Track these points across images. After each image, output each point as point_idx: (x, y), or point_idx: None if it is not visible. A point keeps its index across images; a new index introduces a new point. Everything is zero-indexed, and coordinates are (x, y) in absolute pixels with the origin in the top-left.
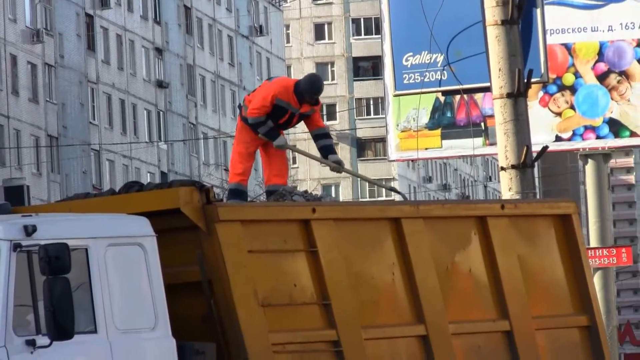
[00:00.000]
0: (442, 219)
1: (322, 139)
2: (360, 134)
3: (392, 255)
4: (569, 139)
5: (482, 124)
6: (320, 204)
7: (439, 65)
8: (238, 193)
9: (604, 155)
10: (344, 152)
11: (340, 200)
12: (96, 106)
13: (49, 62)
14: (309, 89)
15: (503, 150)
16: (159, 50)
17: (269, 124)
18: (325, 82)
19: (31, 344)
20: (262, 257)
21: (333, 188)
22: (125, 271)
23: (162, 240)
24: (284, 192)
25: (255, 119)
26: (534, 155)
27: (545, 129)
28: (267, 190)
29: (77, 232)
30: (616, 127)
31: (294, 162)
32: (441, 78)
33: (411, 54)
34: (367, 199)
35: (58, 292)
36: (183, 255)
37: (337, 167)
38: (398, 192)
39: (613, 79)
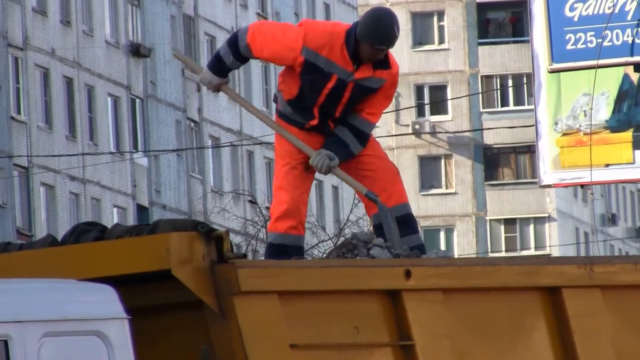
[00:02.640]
0: (634, 290)
1: (345, 129)
2: (489, 139)
3: (547, 353)
4: None
5: None
6: (419, 262)
7: (629, 16)
8: (283, 251)
9: None
10: (460, 169)
11: (455, 255)
12: (22, 89)
13: None
14: (369, 32)
15: None
16: None
17: (237, 64)
18: (427, 47)
19: None
20: (316, 356)
21: (442, 234)
22: None
23: (140, 326)
24: (356, 243)
25: (245, 45)
26: None
27: None
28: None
29: None
30: None
31: None
32: (633, 40)
33: None
34: (502, 254)
35: None
36: (178, 354)
37: (325, 161)
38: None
39: None
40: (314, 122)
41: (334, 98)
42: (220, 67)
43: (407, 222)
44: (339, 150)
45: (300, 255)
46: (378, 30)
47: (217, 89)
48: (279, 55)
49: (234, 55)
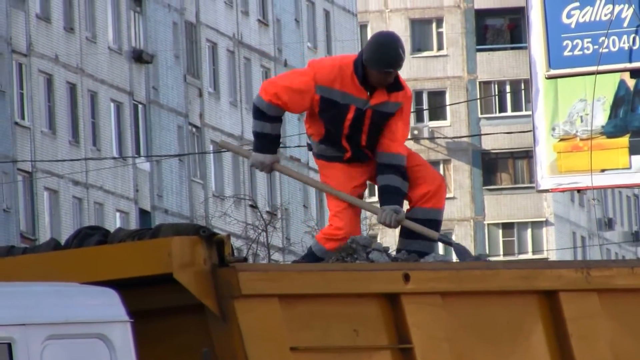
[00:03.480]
0: (631, 294)
1: (387, 173)
2: (487, 144)
3: (545, 356)
4: None
5: None
6: (417, 266)
7: (625, 23)
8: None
9: None
10: (459, 174)
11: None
12: (26, 95)
13: None
14: (375, 57)
15: None
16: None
17: (276, 127)
18: (426, 53)
19: None
20: (317, 359)
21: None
22: None
23: (142, 329)
24: (355, 247)
25: (265, 103)
26: None
27: None
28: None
29: None
30: None
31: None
32: (631, 46)
33: (577, 4)
34: (500, 257)
35: None
36: (179, 357)
37: (392, 216)
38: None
39: None
40: (348, 154)
41: (356, 128)
42: (265, 142)
43: (432, 227)
44: (397, 199)
45: None
46: (384, 54)
47: (270, 169)
48: (296, 102)
49: (267, 121)
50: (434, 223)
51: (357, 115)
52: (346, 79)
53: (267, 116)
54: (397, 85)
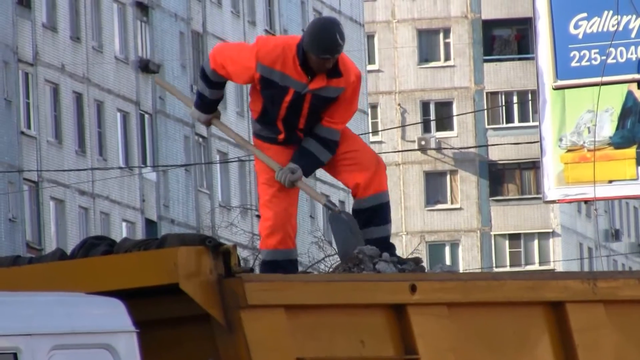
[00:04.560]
0: (637, 305)
1: (309, 139)
2: (494, 154)
3: None
4: None
5: None
6: (424, 276)
7: (633, 34)
8: (276, 266)
9: None
10: (466, 184)
11: (460, 269)
12: (32, 105)
13: None
14: (312, 42)
15: None
16: (141, 7)
17: (216, 92)
18: (433, 64)
19: None
20: None
21: (447, 249)
22: None
23: (148, 339)
24: (362, 257)
25: (210, 70)
26: None
27: None
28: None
29: (1, 324)
30: None
31: None
32: (638, 57)
33: (584, 15)
34: (507, 269)
35: None
36: None
37: (287, 174)
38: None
39: None
40: (282, 136)
41: (294, 110)
42: (204, 102)
43: (379, 212)
44: (305, 161)
45: (294, 269)
46: (321, 40)
47: (208, 123)
48: (238, 75)
49: (208, 85)
50: (382, 207)
51: (295, 99)
52: (288, 61)
53: (210, 81)
54: (336, 71)
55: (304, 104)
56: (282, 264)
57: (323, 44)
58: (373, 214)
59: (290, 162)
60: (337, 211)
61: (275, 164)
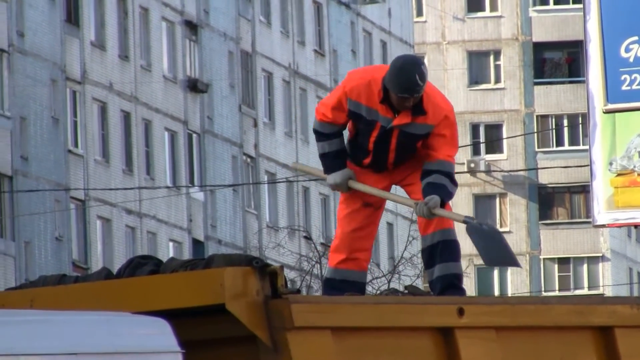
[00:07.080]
0: None
1: (432, 174)
2: (543, 178)
3: None
4: None
5: None
6: (471, 300)
7: None
8: (333, 284)
9: None
10: (515, 208)
11: (508, 293)
12: (80, 123)
13: None
14: (391, 81)
15: None
16: (190, 26)
17: (334, 143)
18: (483, 86)
19: None
20: None
21: (496, 272)
22: None
23: (193, 359)
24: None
25: (318, 123)
26: None
27: None
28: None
29: (42, 344)
30: None
31: None
32: None
33: (635, 38)
34: (555, 293)
35: None
36: None
37: (423, 207)
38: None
39: None
40: (367, 160)
41: (382, 144)
42: (329, 162)
43: (449, 249)
44: (439, 192)
45: (350, 289)
46: (400, 80)
47: (346, 187)
48: (338, 116)
49: (324, 139)
50: (450, 243)
51: (382, 133)
52: (373, 96)
53: (323, 134)
54: (419, 109)
55: (392, 139)
56: (337, 283)
57: (401, 83)
58: (445, 251)
59: (424, 196)
60: (475, 224)
61: (411, 201)
